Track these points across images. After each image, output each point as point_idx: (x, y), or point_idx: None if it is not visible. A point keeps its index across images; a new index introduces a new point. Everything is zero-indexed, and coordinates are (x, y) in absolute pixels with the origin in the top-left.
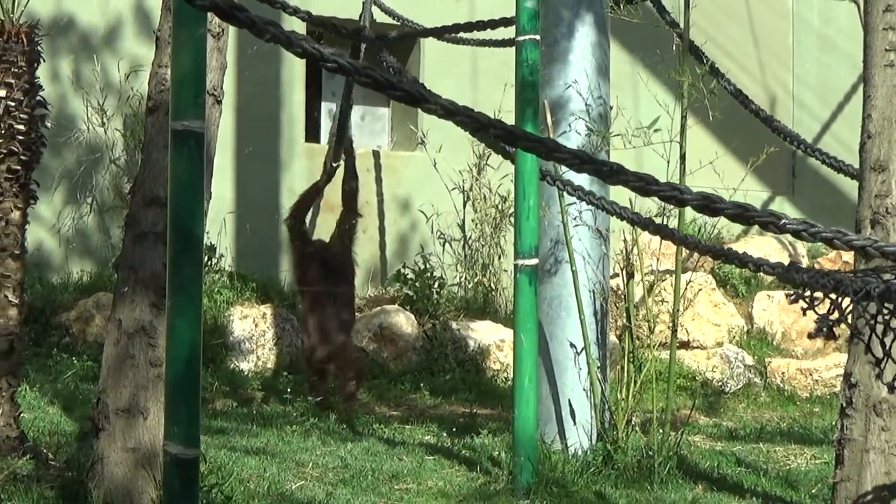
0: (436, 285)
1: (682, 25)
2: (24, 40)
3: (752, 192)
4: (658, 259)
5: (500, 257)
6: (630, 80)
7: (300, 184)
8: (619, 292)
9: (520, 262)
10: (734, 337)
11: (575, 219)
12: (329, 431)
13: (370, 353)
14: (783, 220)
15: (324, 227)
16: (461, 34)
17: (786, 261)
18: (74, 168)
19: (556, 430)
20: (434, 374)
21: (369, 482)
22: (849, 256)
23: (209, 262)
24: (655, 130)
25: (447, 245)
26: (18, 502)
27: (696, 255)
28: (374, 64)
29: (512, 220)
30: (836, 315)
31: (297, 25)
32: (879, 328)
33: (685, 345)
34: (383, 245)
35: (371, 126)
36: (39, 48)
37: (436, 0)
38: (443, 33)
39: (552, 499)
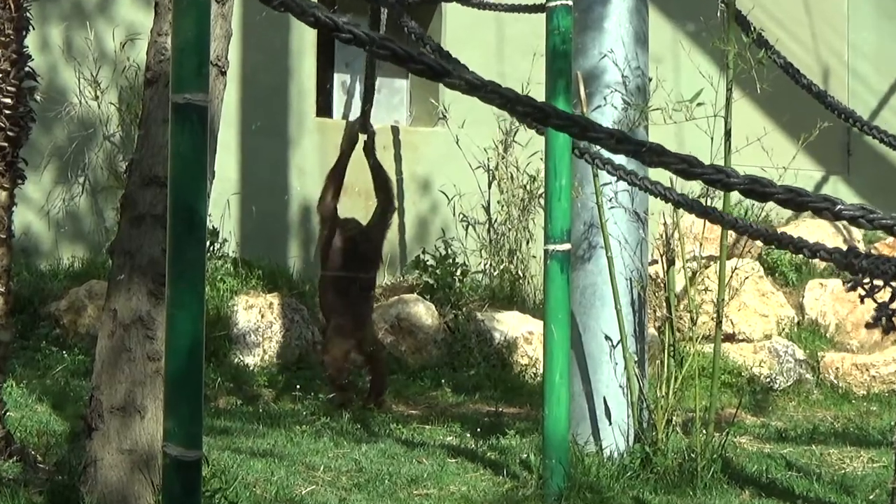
0: (458, 273)
1: None
2: (12, 6)
3: (804, 172)
4: (701, 244)
5: (528, 242)
6: (671, 49)
7: (310, 162)
8: (659, 280)
9: (550, 247)
10: (783, 329)
11: (610, 200)
12: (342, 432)
13: (386, 346)
14: (839, 206)
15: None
16: None
17: (840, 245)
18: (65, 145)
19: (589, 431)
20: (456, 370)
21: (386, 487)
22: None
23: (212, 248)
24: (698, 104)
25: (470, 229)
26: None
27: (742, 240)
28: (394, 29)
29: (541, 201)
30: None
31: None
32: None
33: (730, 337)
34: (401, 229)
35: (388, 99)
36: (28, 15)
37: None
38: None
39: None
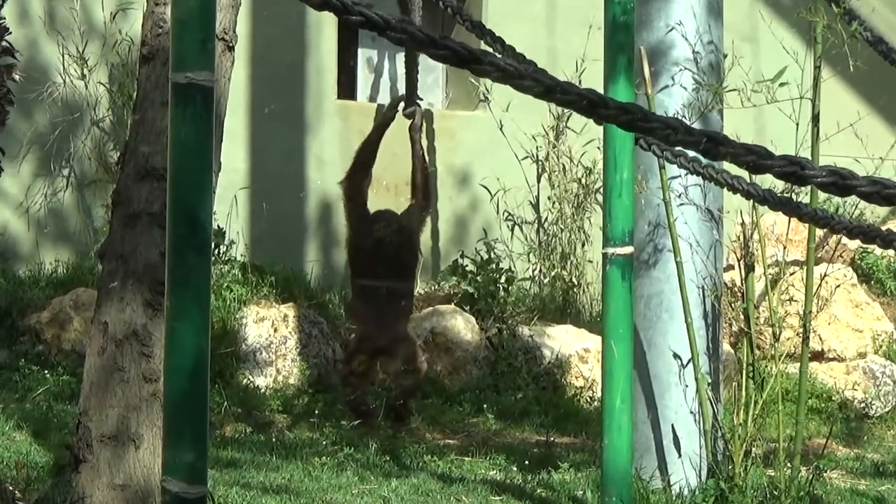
0: (502, 280)
1: None
2: None
3: None
4: (784, 247)
5: (583, 245)
6: (749, 21)
7: (331, 151)
8: (735, 289)
9: (610, 250)
10: (881, 346)
11: (680, 196)
12: (368, 465)
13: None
14: None
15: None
16: None
17: None
18: (48, 131)
19: (655, 464)
20: (500, 393)
21: None
22: None
23: (217, 251)
24: (781, 85)
25: (516, 229)
26: None
27: (832, 242)
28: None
29: (599, 197)
30: None
31: None
32: None
33: (819, 356)
34: (435, 229)
35: (422, 79)
36: None
37: None
38: None
39: None
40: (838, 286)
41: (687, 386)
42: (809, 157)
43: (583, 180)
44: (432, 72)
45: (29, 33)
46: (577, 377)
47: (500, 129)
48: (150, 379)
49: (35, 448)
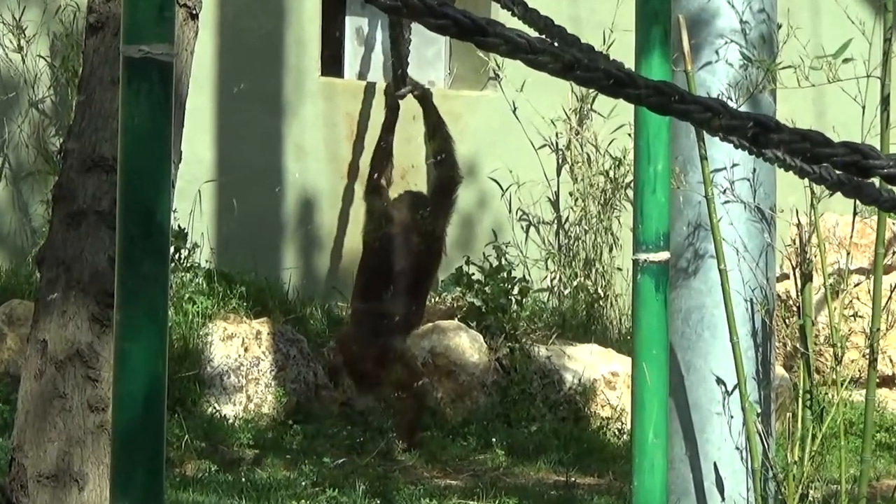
0: (515, 291)
1: None
2: None
3: None
4: (848, 252)
5: (611, 249)
6: None
7: (313, 137)
8: (790, 302)
9: (642, 256)
10: None
11: (724, 192)
12: None
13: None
14: None
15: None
16: None
17: None
18: None
19: None
20: (512, 425)
21: None
22: None
23: (178, 256)
24: (845, 61)
25: (532, 231)
26: None
27: None
28: None
29: (630, 193)
30: None
31: None
32: None
33: (888, 381)
34: None
35: (420, 53)
36: None
37: None
38: None
39: None
40: None
41: (732, 417)
42: (877, 146)
43: (610, 173)
44: (433, 44)
45: None
46: (602, 406)
47: (514, 111)
48: (97, 408)
49: None
